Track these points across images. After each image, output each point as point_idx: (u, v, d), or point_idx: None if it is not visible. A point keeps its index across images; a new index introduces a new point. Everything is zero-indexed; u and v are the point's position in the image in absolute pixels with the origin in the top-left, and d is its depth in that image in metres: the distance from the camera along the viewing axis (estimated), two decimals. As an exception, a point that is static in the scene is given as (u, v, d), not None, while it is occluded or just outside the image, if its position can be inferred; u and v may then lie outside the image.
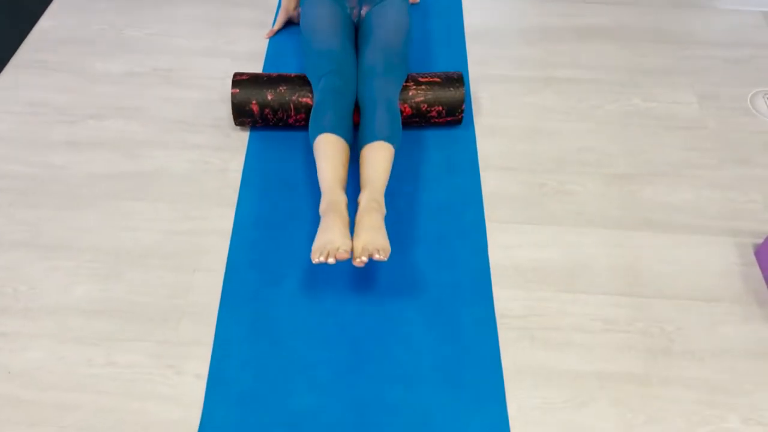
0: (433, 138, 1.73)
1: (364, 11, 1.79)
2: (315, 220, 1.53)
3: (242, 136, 1.73)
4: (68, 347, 1.32)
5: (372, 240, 1.28)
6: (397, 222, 1.53)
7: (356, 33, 1.82)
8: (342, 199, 1.38)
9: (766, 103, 1.84)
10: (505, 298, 1.42)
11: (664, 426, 1.23)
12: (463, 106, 1.68)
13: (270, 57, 1.95)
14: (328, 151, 1.45)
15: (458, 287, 1.42)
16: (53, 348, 1.32)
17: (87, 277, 1.43)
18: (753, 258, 1.50)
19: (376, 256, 1.25)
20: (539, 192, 1.63)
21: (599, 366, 1.31)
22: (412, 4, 2.12)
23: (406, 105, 1.66)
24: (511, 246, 1.52)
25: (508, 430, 1.21)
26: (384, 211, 1.39)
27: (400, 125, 1.54)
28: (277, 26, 2.01)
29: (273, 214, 1.55)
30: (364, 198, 1.39)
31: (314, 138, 1.49)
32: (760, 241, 1.53)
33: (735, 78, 1.92)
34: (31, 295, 1.40)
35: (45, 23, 2.06)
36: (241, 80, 1.65)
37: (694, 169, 1.69)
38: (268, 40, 2.01)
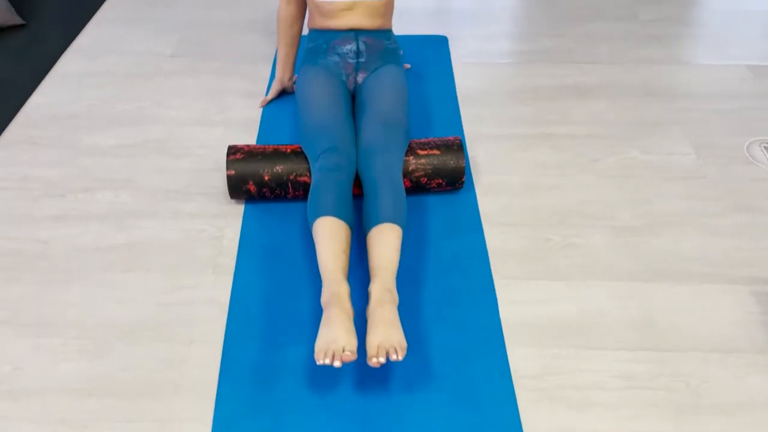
0: (434, 198, 1.69)
1: (360, 78, 1.79)
2: (316, 289, 1.46)
3: (238, 204, 1.69)
4: (55, 430, 1.22)
5: (388, 337, 1.20)
6: (404, 283, 1.47)
7: (353, 100, 1.80)
8: (345, 289, 1.30)
9: (763, 151, 1.84)
10: (519, 357, 1.35)
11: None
12: (464, 178, 1.65)
13: (264, 125, 1.94)
14: (328, 236, 1.38)
15: (471, 349, 1.35)
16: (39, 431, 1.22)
17: (74, 354, 1.35)
18: (771, 305, 1.45)
19: (393, 357, 1.17)
20: (544, 247, 1.58)
21: (627, 426, 1.23)
22: (405, 69, 2.14)
23: (406, 179, 1.63)
24: (520, 302, 1.46)
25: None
26: (397, 299, 1.31)
27: (406, 203, 1.48)
28: (270, 95, 2.01)
29: (273, 282, 1.49)
30: (375, 289, 1.30)
31: (313, 221, 1.42)
32: (776, 287, 1.48)
33: (729, 129, 1.93)
34: (15, 375, 1.31)
35: (36, 99, 2.05)
36: (235, 159, 1.60)
37: (699, 218, 1.66)
38: (261, 109, 2.00)
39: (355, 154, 1.57)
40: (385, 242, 1.37)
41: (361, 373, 1.29)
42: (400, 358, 1.18)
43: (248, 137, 1.90)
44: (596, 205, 1.69)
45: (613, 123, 1.95)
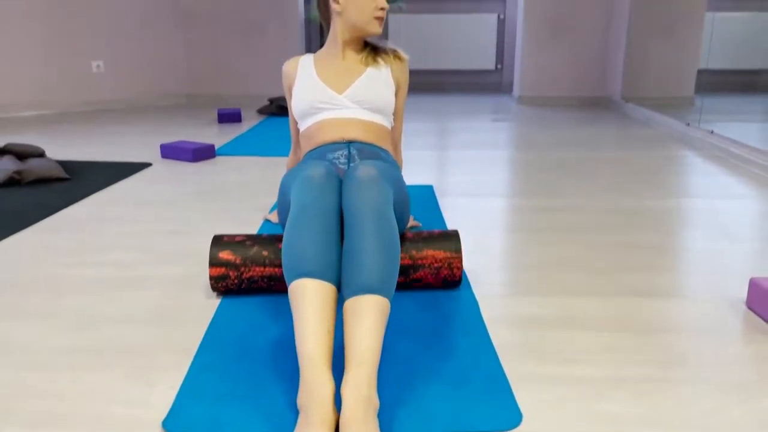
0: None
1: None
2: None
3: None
4: None
5: None
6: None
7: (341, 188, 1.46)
8: (328, 390, 1.05)
9: (722, 237, 2.02)
10: (501, 336, 1.36)
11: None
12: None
13: (267, 224, 2.15)
14: (310, 309, 1.14)
15: (454, 334, 1.37)
16: None
17: (69, 330, 1.37)
18: (744, 307, 1.50)
19: None
20: (524, 276, 1.68)
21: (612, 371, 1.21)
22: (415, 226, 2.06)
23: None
24: (500, 300, 1.51)
25: None
26: (377, 405, 1.05)
27: (398, 258, 1.24)
28: (271, 217, 2.17)
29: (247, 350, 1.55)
30: (349, 394, 1.04)
31: (291, 281, 1.21)
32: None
33: (695, 226, 2.14)
34: None
35: (66, 211, 2.31)
36: (218, 288, 1.54)
37: (674, 266, 1.77)
38: (259, 225, 2.22)
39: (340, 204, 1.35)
40: (366, 325, 1.12)
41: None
42: None
43: (251, 230, 2.10)
44: (576, 260, 1.82)
45: (587, 224, 2.17)
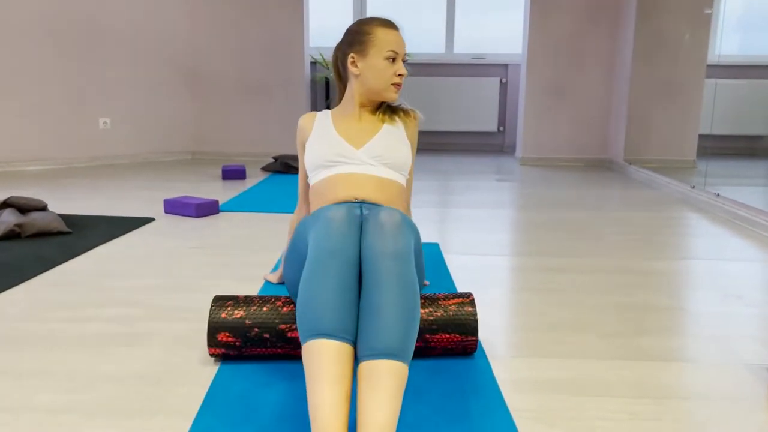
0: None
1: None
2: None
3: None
4: None
5: None
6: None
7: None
8: None
9: (734, 299, 1.98)
10: (516, 400, 1.31)
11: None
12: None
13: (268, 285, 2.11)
14: (327, 375, 1.08)
15: (466, 396, 1.32)
16: None
17: (55, 389, 1.32)
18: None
19: None
20: (534, 342, 1.63)
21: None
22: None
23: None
24: (516, 370, 1.45)
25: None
26: None
27: (418, 322, 1.18)
28: (275, 278, 2.09)
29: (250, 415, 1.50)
30: None
31: (306, 340, 1.15)
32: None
33: (702, 287, 2.09)
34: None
35: (65, 266, 2.27)
36: (217, 354, 1.47)
37: (684, 326, 1.72)
38: (270, 269, 2.19)
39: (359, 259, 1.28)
40: (383, 396, 1.06)
41: None
42: None
43: (253, 289, 2.05)
44: (583, 322, 1.77)
45: (593, 284, 2.12)
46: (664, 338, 1.66)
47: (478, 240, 2.73)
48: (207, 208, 3.16)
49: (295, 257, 1.49)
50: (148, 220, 3.01)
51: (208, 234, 2.76)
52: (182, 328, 1.69)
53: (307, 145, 1.82)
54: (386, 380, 1.07)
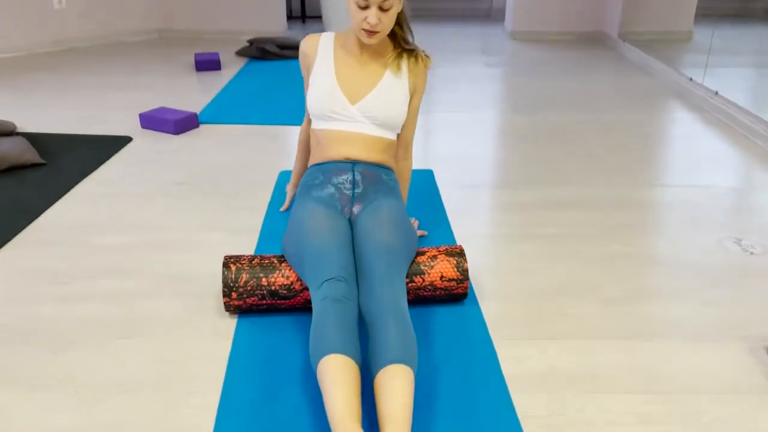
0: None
1: (356, 209, 1.68)
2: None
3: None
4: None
5: None
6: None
7: (351, 229, 1.67)
8: None
9: (734, 244, 1.98)
10: (525, 402, 1.33)
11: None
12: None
13: (265, 233, 2.04)
14: (338, 378, 1.22)
15: (475, 397, 1.33)
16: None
17: (69, 407, 1.30)
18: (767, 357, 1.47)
19: None
20: (539, 315, 1.63)
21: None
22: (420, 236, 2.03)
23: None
24: (523, 358, 1.47)
25: None
26: None
27: (415, 339, 1.35)
28: (288, 200, 2.16)
29: (272, 349, 1.49)
30: None
31: (318, 360, 1.27)
32: (769, 343, 1.52)
33: (699, 229, 2.08)
34: (8, 427, 1.25)
35: (50, 213, 2.17)
36: (231, 305, 1.58)
37: (685, 292, 1.73)
38: (262, 219, 2.12)
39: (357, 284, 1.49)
40: (395, 388, 1.21)
41: (365, 425, 1.26)
42: None
43: (249, 241, 1.99)
44: (584, 284, 1.77)
45: (591, 226, 2.10)
46: (667, 304, 1.67)
47: (467, 162, 2.65)
48: (186, 123, 2.99)
49: (294, 227, 1.63)
50: (124, 141, 2.84)
51: (191, 161, 2.63)
52: (181, 308, 1.65)
53: (310, 81, 1.82)
54: (399, 377, 1.23)
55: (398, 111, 1.77)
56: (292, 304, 1.59)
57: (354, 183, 1.71)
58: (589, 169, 2.57)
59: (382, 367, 1.25)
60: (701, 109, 3.39)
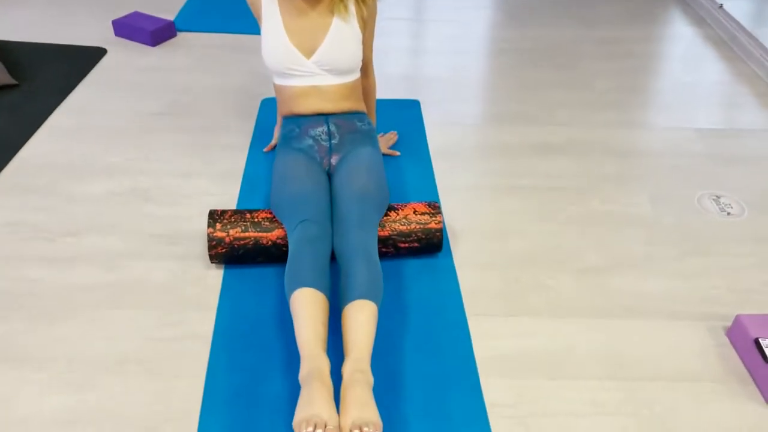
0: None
1: (334, 160, 1.77)
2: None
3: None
4: (39, 459, 1.23)
5: (360, 416, 1.18)
6: (381, 317, 1.54)
7: (329, 180, 1.77)
8: (325, 364, 1.28)
9: (712, 203, 2.00)
10: (493, 388, 1.41)
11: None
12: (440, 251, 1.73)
13: (247, 177, 2.03)
14: (307, 309, 1.36)
15: (445, 381, 1.41)
16: (22, 460, 1.23)
17: (60, 388, 1.37)
18: (726, 339, 1.55)
19: (366, 431, 1.16)
20: (514, 287, 1.68)
21: None
22: (392, 156, 2.14)
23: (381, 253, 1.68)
24: (493, 337, 1.54)
25: None
26: (371, 381, 1.28)
27: (381, 279, 1.47)
28: (274, 141, 2.12)
29: (255, 317, 1.55)
30: (347, 369, 1.28)
31: (291, 292, 1.41)
32: (729, 323, 1.59)
33: (680, 183, 2.09)
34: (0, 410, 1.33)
35: (27, 151, 2.12)
36: (217, 254, 1.63)
37: (658, 261, 1.78)
38: (245, 161, 2.10)
39: (331, 228, 1.59)
40: (359, 321, 1.36)
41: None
42: None
43: (232, 186, 1.99)
44: (561, 250, 1.81)
45: (574, 176, 2.10)
46: (642, 276, 1.73)
47: (454, 88, 2.57)
48: (163, 34, 2.83)
49: (275, 180, 1.71)
50: (98, 54, 2.71)
51: (168, 84, 2.53)
52: (170, 272, 1.68)
53: (262, 35, 1.80)
54: (362, 310, 1.38)
55: (354, 55, 1.79)
56: (275, 239, 1.64)
57: (330, 134, 1.79)
58: (579, 102, 2.51)
59: (349, 301, 1.39)
60: (703, 22, 3.24)
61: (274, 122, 2.21)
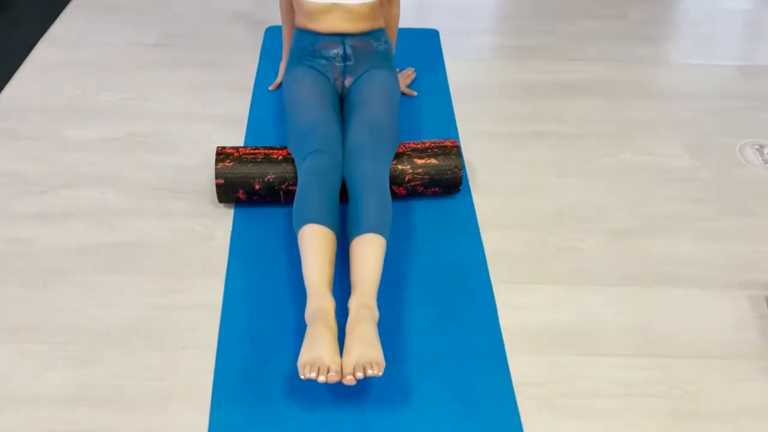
0: (429, 199, 1.66)
1: (348, 82, 1.73)
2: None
3: (227, 206, 1.64)
4: (41, 443, 1.17)
5: (363, 354, 1.17)
6: (399, 285, 1.45)
7: (342, 102, 1.74)
8: (330, 304, 1.27)
9: (755, 153, 1.85)
10: (520, 364, 1.33)
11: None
12: (461, 185, 1.63)
13: (252, 121, 1.88)
14: (315, 246, 1.35)
15: (471, 356, 1.33)
16: (24, 445, 1.16)
17: (61, 362, 1.29)
18: (767, 310, 1.46)
19: (370, 372, 1.14)
20: (541, 250, 1.57)
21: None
22: (410, 96, 2.00)
23: (401, 188, 1.60)
24: (519, 307, 1.44)
25: None
26: (377, 316, 1.27)
27: (391, 212, 1.44)
28: (279, 78, 1.97)
29: (266, 283, 1.45)
30: (353, 304, 1.27)
31: (299, 228, 1.39)
32: (771, 292, 1.49)
33: (720, 130, 1.94)
34: (-2, 384, 1.26)
35: (13, 90, 1.97)
36: (225, 167, 1.54)
37: (694, 221, 1.66)
38: (249, 103, 1.95)
39: (342, 155, 1.53)
40: (367, 255, 1.34)
41: (359, 381, 1.26)
42: (378, 373, 1.14)
43: (237, 133, 1.85)
44: (592, 207, 1.68)
45: (605, 122, 1.95)
46: (677, 239, 1.61)
47: (480, 30, 2.36)
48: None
49: (286, 104, 1.67)
50: (86, -25, 2.48)
51: (164, 10, 2.32)
52: (169, 232, 1.57)
53: None
54: (369, 245, 1.35)
55: None
56: (286, 153, 1.59)
57: (345, 57, 1.72)
58: (611, 34, 2.31)
59: (358, 234, 1.37)
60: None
61: (280, 56, 2.04)
